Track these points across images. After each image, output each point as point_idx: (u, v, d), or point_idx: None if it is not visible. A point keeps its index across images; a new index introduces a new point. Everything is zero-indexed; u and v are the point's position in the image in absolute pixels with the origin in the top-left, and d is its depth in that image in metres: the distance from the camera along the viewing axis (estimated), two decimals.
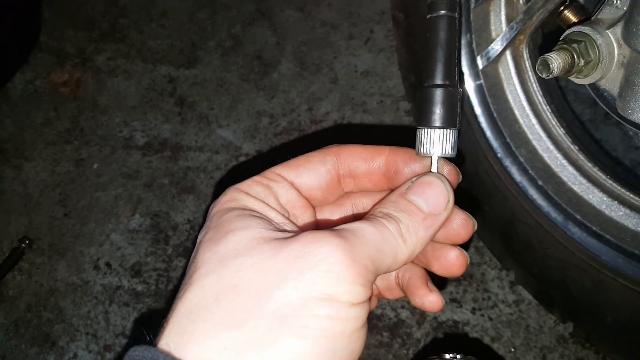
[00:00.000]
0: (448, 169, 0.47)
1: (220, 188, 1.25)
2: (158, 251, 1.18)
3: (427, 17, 0.44)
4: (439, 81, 0.43)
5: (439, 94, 0.42)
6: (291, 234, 0.40)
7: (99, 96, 1.44)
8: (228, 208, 0.43)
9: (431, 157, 0.45)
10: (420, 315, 1.07)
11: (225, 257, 0.38)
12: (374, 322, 1.05)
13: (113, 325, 1.10)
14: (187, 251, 1.18)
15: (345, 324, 0.37)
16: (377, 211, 0.42)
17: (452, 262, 0.49)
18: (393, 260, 0.40)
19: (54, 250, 1.20)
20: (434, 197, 0.43)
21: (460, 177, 0.49)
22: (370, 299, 0.40)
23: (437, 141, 0.43)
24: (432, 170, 0.46)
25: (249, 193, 0.44)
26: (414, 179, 0.45)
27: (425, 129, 0.43)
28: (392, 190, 0.45)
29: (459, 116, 0.43)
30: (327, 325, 0.36)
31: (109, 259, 1.18)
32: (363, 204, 0.52)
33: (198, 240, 0.42)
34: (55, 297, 1.14)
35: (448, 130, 0.43)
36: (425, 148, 0.44)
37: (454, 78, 0.43)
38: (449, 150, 0.44)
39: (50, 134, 1.38)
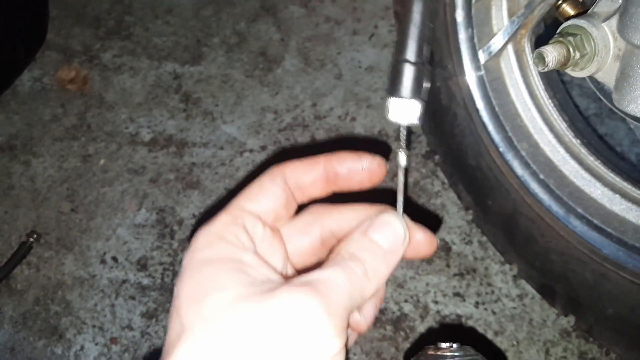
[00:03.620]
0: (424, 236, 0.51)
1: (226, 184, 1.26)
2: (164, 245, 1.20)
3: None
4: (409, 57, 0.47)
5: (408, 69, 0.47)
6: (269, 286, 0.42)
7: (106, 93, 1.45)
8: (204, 259, 0.45)
9: (400, 125, 0.49)
10: (423, 309, 1.08)
11: (209, 319, 0.41)
12: (377, 315, 1.06)
13: (119, 318, 1.11)
14: None
15: None
16: (344, 250, 0.46)
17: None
18: (361, 300, 0.44)
19: (62, 245, 1.21)
20: (392, 234, 0.47)
21: (437, 243, 0.52)
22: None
23: (404, 110, 0.48)
24: (402, 138, 0.50)
25: (223, 237, 0.46)
26: (374, 216, 0.48)
27: (395, 99, 0.48)
28: (353, 229, 0.49)
29: (424, 90, 0.48)
30: None
31: (115, 253, 1.19)
32: (329, 225, 0.54)
33: (177, 290, 0.44)
34: (63, 290, 1.16)
35: (414, 100, 0.48)
36: (394, 115, 0.48)
37: (422, 55, 0.48)
38: (414, 120, 0.48)
39: (57, 130, 1.39)
